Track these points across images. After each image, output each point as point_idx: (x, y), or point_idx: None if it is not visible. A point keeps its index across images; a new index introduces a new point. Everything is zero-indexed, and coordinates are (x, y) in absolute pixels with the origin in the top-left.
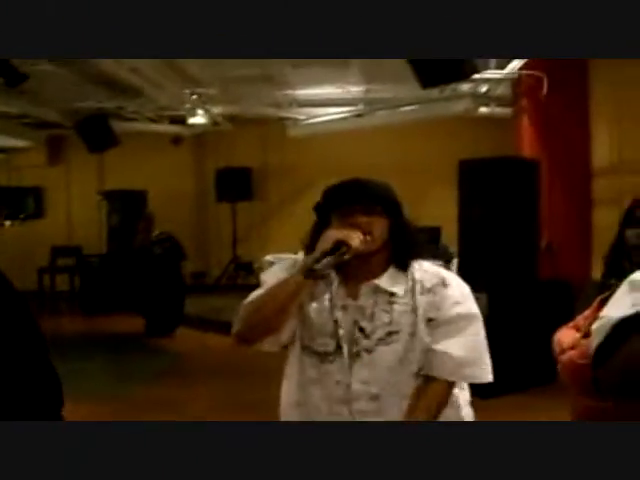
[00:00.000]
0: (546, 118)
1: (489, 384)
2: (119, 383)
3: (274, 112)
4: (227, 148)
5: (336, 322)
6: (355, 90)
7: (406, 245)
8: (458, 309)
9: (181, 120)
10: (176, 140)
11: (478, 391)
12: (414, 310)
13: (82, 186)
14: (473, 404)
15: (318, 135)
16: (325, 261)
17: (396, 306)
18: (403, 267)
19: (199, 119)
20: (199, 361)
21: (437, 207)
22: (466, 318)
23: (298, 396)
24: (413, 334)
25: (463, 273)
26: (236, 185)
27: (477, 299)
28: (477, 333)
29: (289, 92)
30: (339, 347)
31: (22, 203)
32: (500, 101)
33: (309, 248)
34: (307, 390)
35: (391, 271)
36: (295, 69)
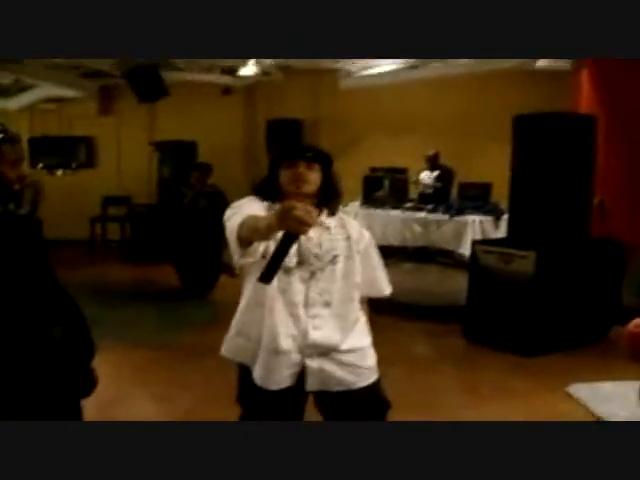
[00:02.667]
0: (607, 72)
1: (530, 343)
2: (168, 331)
3: (326, 63)
4: (278, 99)
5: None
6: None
7: (334, 192)
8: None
9: (232, 71)
10: (226, 91)
11: (520, 349)
12: (348, 239)
13: (133, 136)
14: (515, 362)
15: (370, 87)
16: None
17: (335, 237)
18: (332, 212)
19: (250, 69)
20: None
21: (490, 163)
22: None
23: (261, 298)
24: (349, 257)
25: (512, 231)
26: (287, 136)
27: (524, 257)
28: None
29: None
30: (300, 263)
31: (74, 153)
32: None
33: (257, 191)
34: (271, 295)
35: (325, 212)
36: None
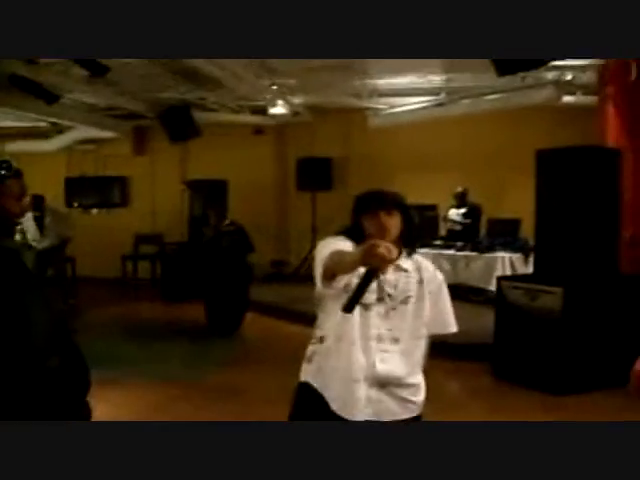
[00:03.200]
0: (633, 105)
1: (562, 381)
2: (193, 369)
3: (355, 102)
4: (308, 138)
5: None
6: (436, 79)
7: (414, 237)
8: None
9: (262, 110)
10: (258, 131)
11: (551, 388)
12: (420, 282)
13: (165, 176)
14: (546, 401)
15: (399, 125)
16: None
17: (409, 279)
18: (412, 251)
19: (279, 109)
20: (270, 348)
21: (519, 199)
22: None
23: (340, 330)
24: (420, 298)
25: (539, 266)
26: (316, 175)
27: (552, 293)
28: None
29: (369, 81)
30: (378, 300)
31: (108, 192)
32: (585, 89)
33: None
34: (352, 326)
35: (404, 254)
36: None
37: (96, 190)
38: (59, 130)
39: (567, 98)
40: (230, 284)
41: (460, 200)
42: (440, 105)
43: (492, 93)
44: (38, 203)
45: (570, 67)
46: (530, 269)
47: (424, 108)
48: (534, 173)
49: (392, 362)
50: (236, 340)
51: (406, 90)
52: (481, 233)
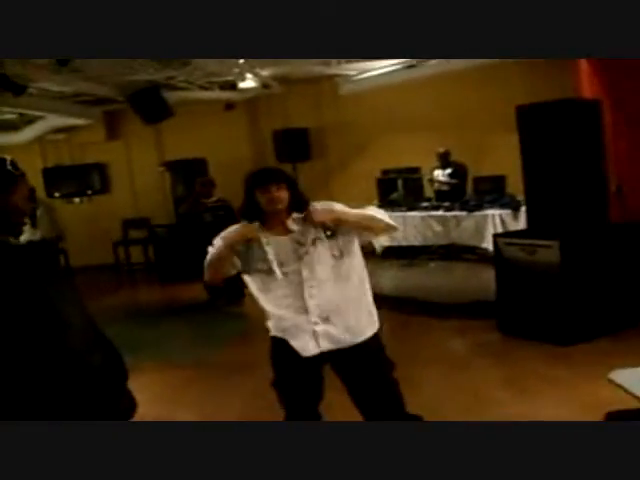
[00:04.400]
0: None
1: (568, 332)
2: (200, 348)
3: (324, 70)
4: (281, 110)
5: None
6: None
7: (302, 203)
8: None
9: (232, 86)
10: (229, 106)
11: (558, 338)
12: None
13: (143, 158)
14: (554, 352)
15: (371, 90)
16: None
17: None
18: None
19: (249, 83)
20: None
21: (500, 155)
22: None
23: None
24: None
25: (532, 221)
26: (294, 146)
27: (548, 247)
28: None
29: None
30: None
31: (88, 180)
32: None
33: (240, 214)
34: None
35: (293, 218)
36: None
37: (75, 178)
38: (28, 121)
39: None
40: None
41: (444, 160)
42: (411, 67)
43: None
44: (31, 195)
45: None
46: (520, 225)
47: (394, 71)
48: (514, 129)
49: (321, 295)
50: (240, 317)
51: None
52: (468, 192)
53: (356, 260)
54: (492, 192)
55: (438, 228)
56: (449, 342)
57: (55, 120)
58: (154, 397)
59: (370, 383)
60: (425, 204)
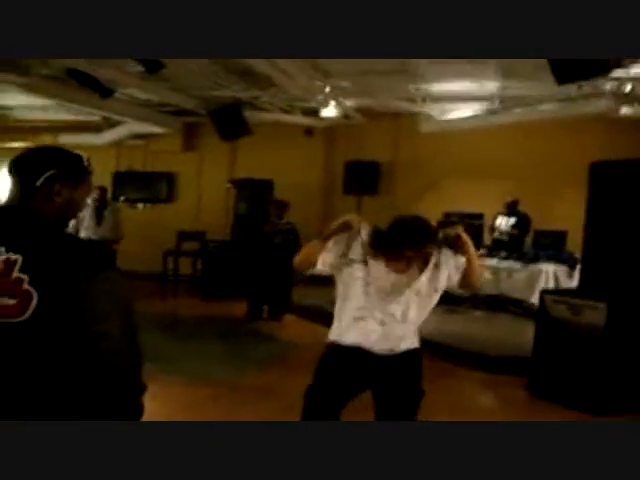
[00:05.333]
0: None
1: (602, 401)
2: (230, 367)
3: (407, 106)
4: (357, 141)
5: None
6: (490, 86)
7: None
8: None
9: (313, 112)
10: (308, 131)
11: (590, 407)
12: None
13: (213, 173)
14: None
15: (450, 131)
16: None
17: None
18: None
19: (331, 111)
20: (307, 351)
21: (567, 211)
22: None
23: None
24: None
25: (584, 280)
26: (363, 179)
27: (595, 308)
28: None
29: (423, 86)
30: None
31: (155, 187)
32: None
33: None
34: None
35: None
36: (431, 63)
37: (143, 185)
38: (111, 124)
39: (625, 109)
40: (272, 282)
41: (510, 209)
42: (493, 113)
43: (547, 102)
44: (102, 195)
45: (629, 78)
46: (574, 283)
47: (477, 115)
48: (586, 185)
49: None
50: (274, 341)
51: (459, 96)
52: (526, 244)
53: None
54: (551, 247)
55: (489, 277)
56: (475, 395)
57: (136, 126)
58: (162, 411)
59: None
60: (481, 251)
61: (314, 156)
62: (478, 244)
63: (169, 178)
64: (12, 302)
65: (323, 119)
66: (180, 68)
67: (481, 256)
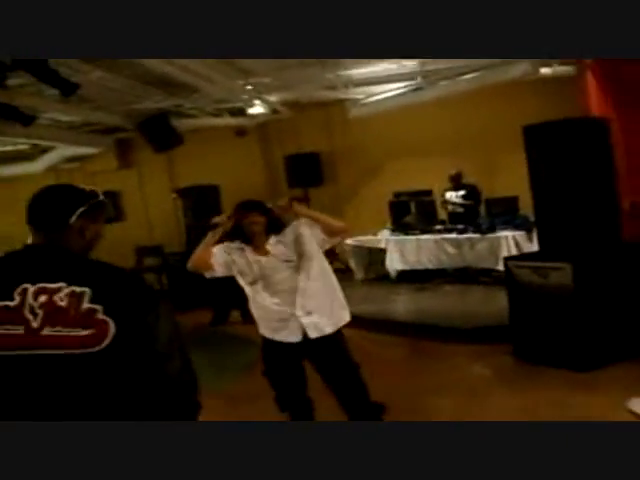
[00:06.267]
0: (615, 74)
1: (584, 357)
2: (210, 377)
3: (332, 94)
4: (291, 135)
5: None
6: (410, 64)
7: (277, 226)
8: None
9: (241, 112)
10: (240, 132)
11: (575, 365)
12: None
13: (155, 186)
14: (570, 378)
15: (379, 113)
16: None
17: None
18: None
19: (258, 109)
20: None
21: (511, 176)
22: None
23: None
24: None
25: (543, 244)
26: (306, 171)
27: (561, 269)
28: None
29: (344, 73)
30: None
31: None
32: (562, 59)
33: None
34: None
35: (271, 240)
36: None
37: None
38: (42, 150)
39: (544, 70)
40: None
41: (456, 182)
42: (418, 90)
43: (468, 72)
44: None
45: None
46: (535, 246)
47: (402, 94)
48: (524, 149)
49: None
50: (249, 345)
51: (381, 78)
52: (481, 214)
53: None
54: (505, 213)
55: (452, 251)
56: (463, 369)
57: (67, 149)
58: None
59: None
60: (439, 227)
61: (252, 155)
62: (433, 220)
63: (113, 196)
64: (86, 332)
65: (253, 117)
66: (96, 86)
67: (439, 231)
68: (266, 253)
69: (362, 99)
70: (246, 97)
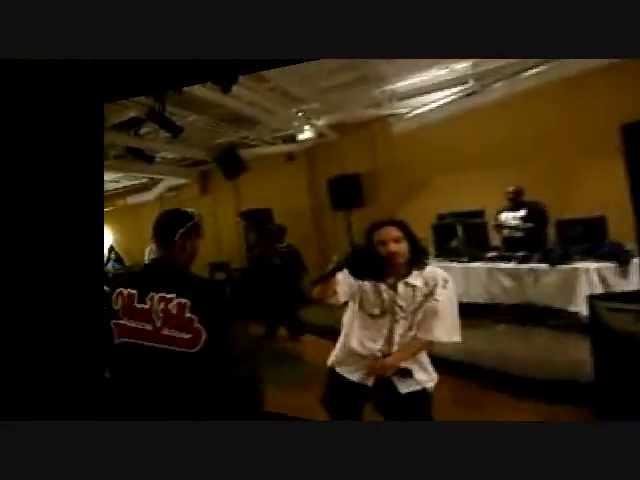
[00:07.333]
0: None
1: None
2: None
3: (375, 112)
4: (336, 157)
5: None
6: (460, 67)
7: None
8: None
9: (292, 138)
10: (290, 157)
11: None
12: (429, 295)
13: (225, 210)
14: None
15: (426, 125)
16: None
17: (417, 292)
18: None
19: (307, 134)
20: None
21: (594, 190)
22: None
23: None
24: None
25: None
26: (347, 192)
27: None
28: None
29: (386, 87)
30: (383, 313)
31: None
32: None
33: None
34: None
35: (413, 273)
36: (389, 62)
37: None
38: (154, 183)
39: None
40: (279, 301)
41: (515, 200)
42: (470, 94)
43: (531, 68)
44: None
45: None
46: (631, 283)
47: (451, 102)
48: (612, 154)
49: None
50: (298, 363)
51: (428, 87)
52: (549, 239)
53: None
54: (586, 239)
55: (509, 284)
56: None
57: (170, 181)
58: None
59: None
60: (492, 254)
61: (299, 179)
62: (484, 246)
63: None
64: (187, 336)
65: (302, 143)
66: (191, 127)
67: (492, 259)
68: (407, 286)
69: (406, 113)
70: (297, 124)
